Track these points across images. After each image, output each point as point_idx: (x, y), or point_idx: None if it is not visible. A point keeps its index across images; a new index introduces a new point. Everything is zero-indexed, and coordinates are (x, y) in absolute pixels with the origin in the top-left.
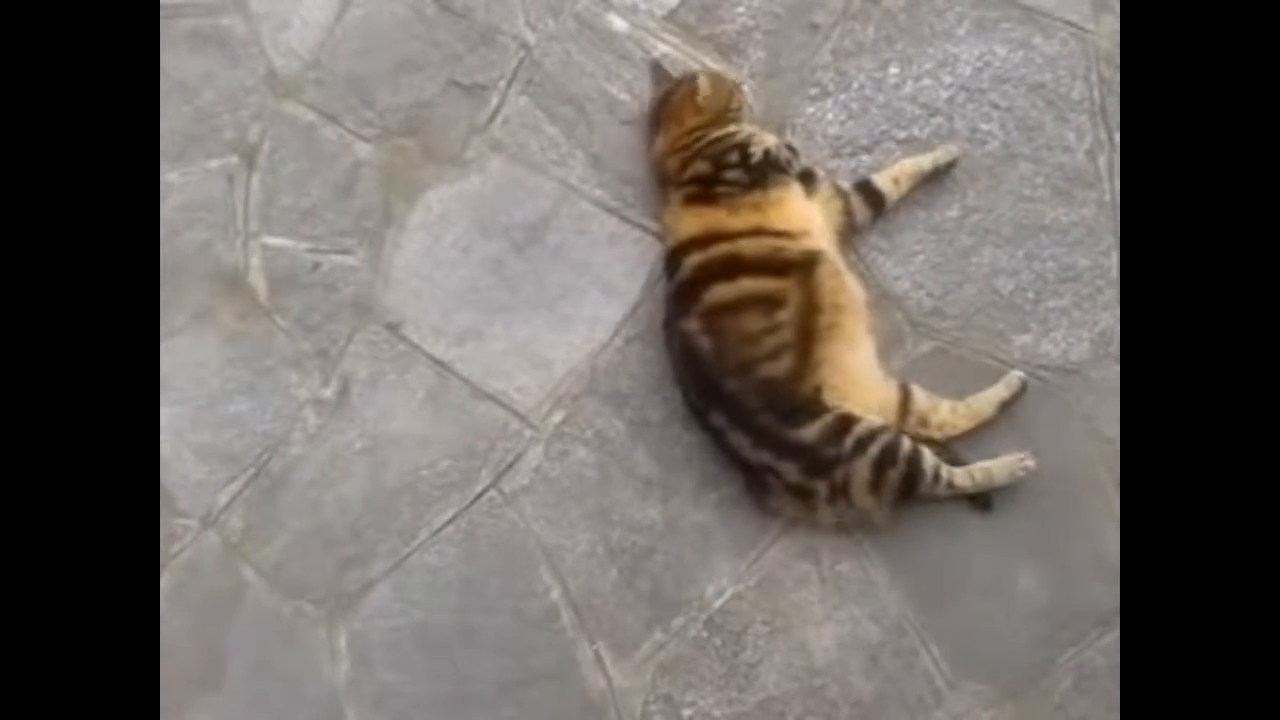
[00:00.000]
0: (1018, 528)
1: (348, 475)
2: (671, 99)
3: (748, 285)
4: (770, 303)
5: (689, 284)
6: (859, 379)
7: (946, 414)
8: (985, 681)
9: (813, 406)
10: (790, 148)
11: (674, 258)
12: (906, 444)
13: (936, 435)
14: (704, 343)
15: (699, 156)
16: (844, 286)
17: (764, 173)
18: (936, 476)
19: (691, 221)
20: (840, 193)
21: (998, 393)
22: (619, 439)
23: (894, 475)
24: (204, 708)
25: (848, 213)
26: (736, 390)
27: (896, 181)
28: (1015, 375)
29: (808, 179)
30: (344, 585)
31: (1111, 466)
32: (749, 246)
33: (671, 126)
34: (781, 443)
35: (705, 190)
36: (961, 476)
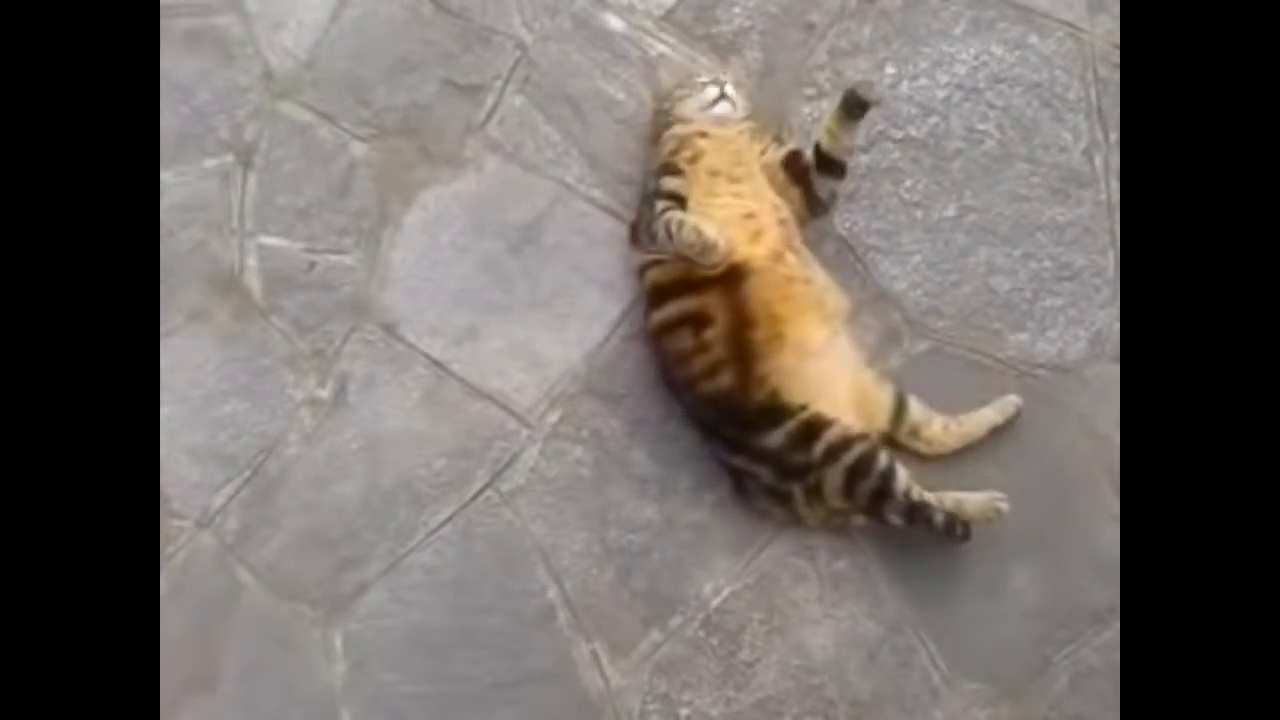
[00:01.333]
0: (1014, 527)
1: (344, 476)
2: None
3: (672, 310)
4: (697, 321)
5: (645, 301)
6: (823, 386)
7: (938, 430)
8: (982, 680)
9: (773, 414)
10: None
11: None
12: (883, 458)
13: (924, 450)
14: (657, 360)
15: None
16: (786, 295)
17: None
18: (907, 495)
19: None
20: (796, 178)
21: (991, 416)
22: (615, 438)
23: (865, 487)
24: (198, 709)
25: (809, 193)
26: (691, 404)
27: (832, 133)
28: (1011, 401)
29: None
30: (340, 586)
31: (1108, 465)
32: (657, 274)
33: None
34: (750, 449)
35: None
36: (933, 501)
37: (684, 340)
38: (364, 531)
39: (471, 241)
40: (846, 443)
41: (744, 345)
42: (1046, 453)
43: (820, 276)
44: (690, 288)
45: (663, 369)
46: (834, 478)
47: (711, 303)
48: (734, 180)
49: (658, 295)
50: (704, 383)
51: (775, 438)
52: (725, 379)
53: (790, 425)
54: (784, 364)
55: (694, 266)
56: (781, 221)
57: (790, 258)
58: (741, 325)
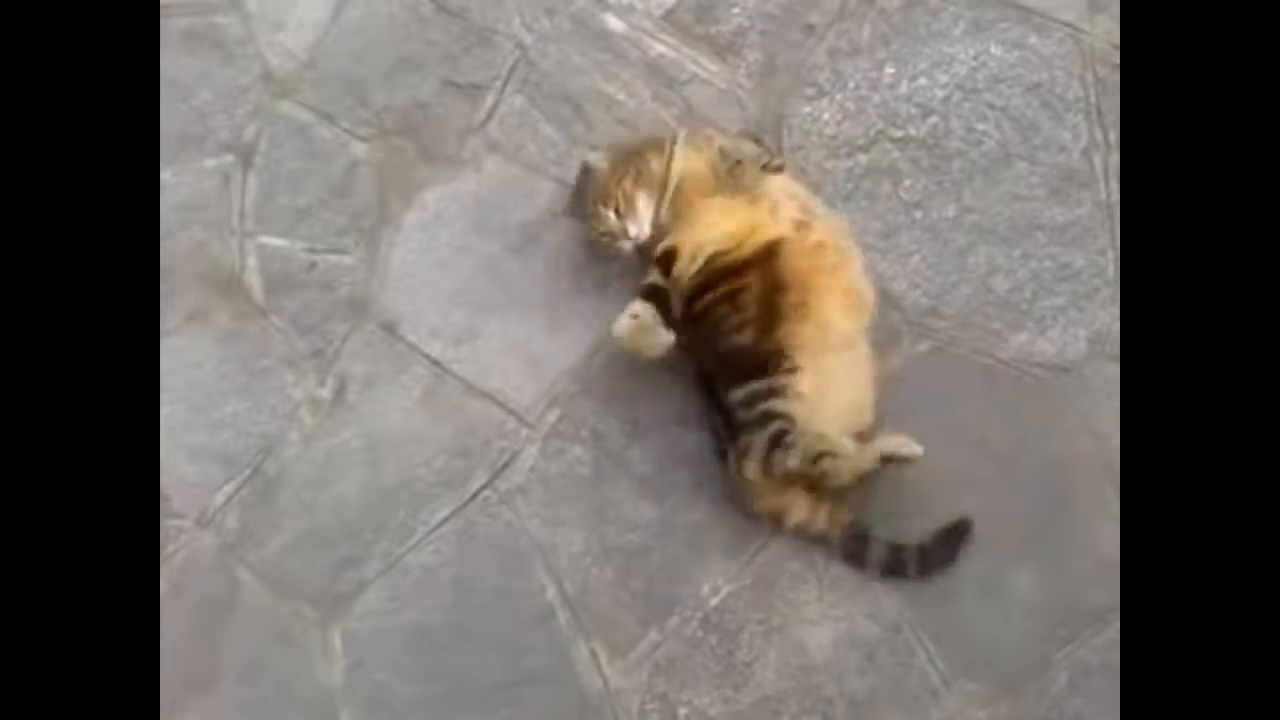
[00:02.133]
0: (1013, 526)
1: (343, 475)
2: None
3: (710, 297)
4: (736, 293)
5: (685, 296)
6: (832, 382)
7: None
8: (981, 680)
9: (760, 371)
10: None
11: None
12: (794, 436)
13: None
14: (695, 337)
15: None
16: (819, 264)
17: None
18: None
19: None
20: None
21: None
22: (614, 438)
23: (779, 458)
24: (198, 709)
25: None
26: (707, 365)
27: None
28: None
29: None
30: (339, 585)
31: (1107, 465)
32: (697, 276)
33: None
34: (720, 404)
35: None
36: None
37: (721, 313)
38: (363, 531)
39: (471, 241)
40: (781, 414)
41: (772, 305)
42: (1046, 453)
43: (856, 259)
44: (729, 273)
45: (690, 342)
46: (759, 443)
47: (749, 279)
48: (709, 194)
49: (700, 289)
50: (729, 337)
51: (740, 392)
52: (747, 335)
53: (759, 383)
54: (800, 334)
55: (729, 262)
56: (794, 195)
57: (816, 225)
58: (774, 288)
